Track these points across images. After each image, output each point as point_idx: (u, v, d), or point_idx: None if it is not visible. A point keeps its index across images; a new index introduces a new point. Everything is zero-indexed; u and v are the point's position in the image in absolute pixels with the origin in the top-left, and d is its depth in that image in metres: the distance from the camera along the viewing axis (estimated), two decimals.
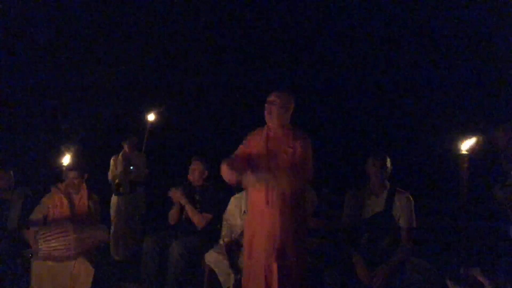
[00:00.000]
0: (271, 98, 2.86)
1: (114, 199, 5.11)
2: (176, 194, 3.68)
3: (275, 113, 2.83)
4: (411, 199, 3.06)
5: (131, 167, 5.13)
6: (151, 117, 5.50)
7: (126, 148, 5.19)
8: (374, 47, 6.24)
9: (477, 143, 3.95)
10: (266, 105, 2.87)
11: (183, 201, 3.65)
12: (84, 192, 3.64)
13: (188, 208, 3.64)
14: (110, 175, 5.20)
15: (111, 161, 5.21)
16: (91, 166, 4.25)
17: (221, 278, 3.25)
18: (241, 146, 2.96)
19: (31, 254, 3.41)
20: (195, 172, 3.79)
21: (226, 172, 2.74)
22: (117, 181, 5.09)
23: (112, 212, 5.08)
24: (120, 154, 5.18)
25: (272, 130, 2.90)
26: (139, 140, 5.35)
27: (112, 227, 5.00)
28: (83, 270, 3.27)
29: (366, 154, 3.24)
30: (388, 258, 2.88)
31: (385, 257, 2.90)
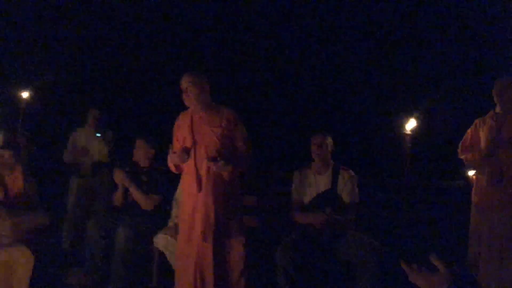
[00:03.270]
0: (184, 84, 2.82)
1: (73, 181, 4.50)
2: (119, 176, 3.51)
3: (192, 97, 2.81)
4: (354, 175, 3.21)
5: (99, 136, 4.44)
6: (25, 94, 4.71)
7: (89, 122, 4.54)
8: (323, 30, 6.29)
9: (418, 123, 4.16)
10: (182, 93, 2.83)
11: (127, 183, 3.48)
12: (18, 173, 3.36)
13: (133, 191, 3.48)
14: (66, 154, 4.53)
15: (70, 138, 4.57)
16: (32, 144, 3.91)
17: (171, 260, 3.18)
18: (173, 141, 2.97)
19: None
20: (140, 152, 3.62)
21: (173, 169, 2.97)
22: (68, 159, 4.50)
23: (71, 196, 4.47)
24: (82, 129, 4.56)
25: (196, 112, 2.87)
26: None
27: (69, 212, 4.42)
28: (22, 258, 3.03)
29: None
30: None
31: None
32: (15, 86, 4.81)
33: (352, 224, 3.10)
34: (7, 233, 3.02)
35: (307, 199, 3.20)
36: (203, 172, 2.76)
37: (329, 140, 3.25)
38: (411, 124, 4.50)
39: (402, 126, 4.28)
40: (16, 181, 3.36)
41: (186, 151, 2.80)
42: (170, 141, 3.00)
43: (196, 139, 2.81)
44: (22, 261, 3.03)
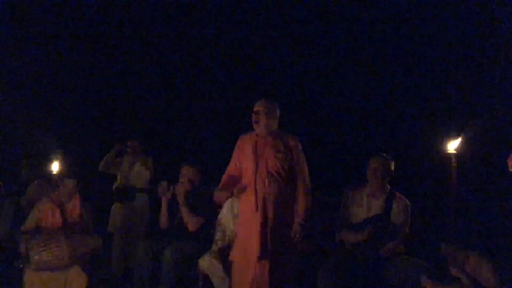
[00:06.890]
0: (258, 107, 2.94)
1: (114, 207, 4.70)
2: (179, 191, 3.60)
3: (262, 122, 2.92)
4: (409, 205, 3.10)
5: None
6: None
7: (129, 150, 4.76)
8: (369, 46, 6.26)
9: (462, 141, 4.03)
10: (253, 114, 2.95)
11: (181, 201, 3.59)
12: (76, 200, 3.61)
13: (184, 210, 3.58)
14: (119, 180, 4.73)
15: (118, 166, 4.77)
16: (87, 172, 4.15)
17: (215, 283, 3.26)
18: (231, 161, 3.08)
19: (23, 264, 3.39)
20: (186, 177, 3.75)
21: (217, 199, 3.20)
22: (115, 186, 4.73)
23: (111, 221, 4.65)
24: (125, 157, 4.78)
25: (260, 137, 2.98)
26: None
27: (114, 239, 4.57)
28: (77, 279, 3.25)
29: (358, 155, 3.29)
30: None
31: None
32: None
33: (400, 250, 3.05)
34: (65, 256, 3.25)
35: (355, 220, 3.13)
36: (261, 193, 2.86)
37: (391, 164, 3.15)
38: (455, 142, 4.33)
39: (444, 144, 4.14)
40: (74, 207, 3.61)
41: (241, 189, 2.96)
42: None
43: (258, 161, 2.92)
44: (77, 280, 3.25)
